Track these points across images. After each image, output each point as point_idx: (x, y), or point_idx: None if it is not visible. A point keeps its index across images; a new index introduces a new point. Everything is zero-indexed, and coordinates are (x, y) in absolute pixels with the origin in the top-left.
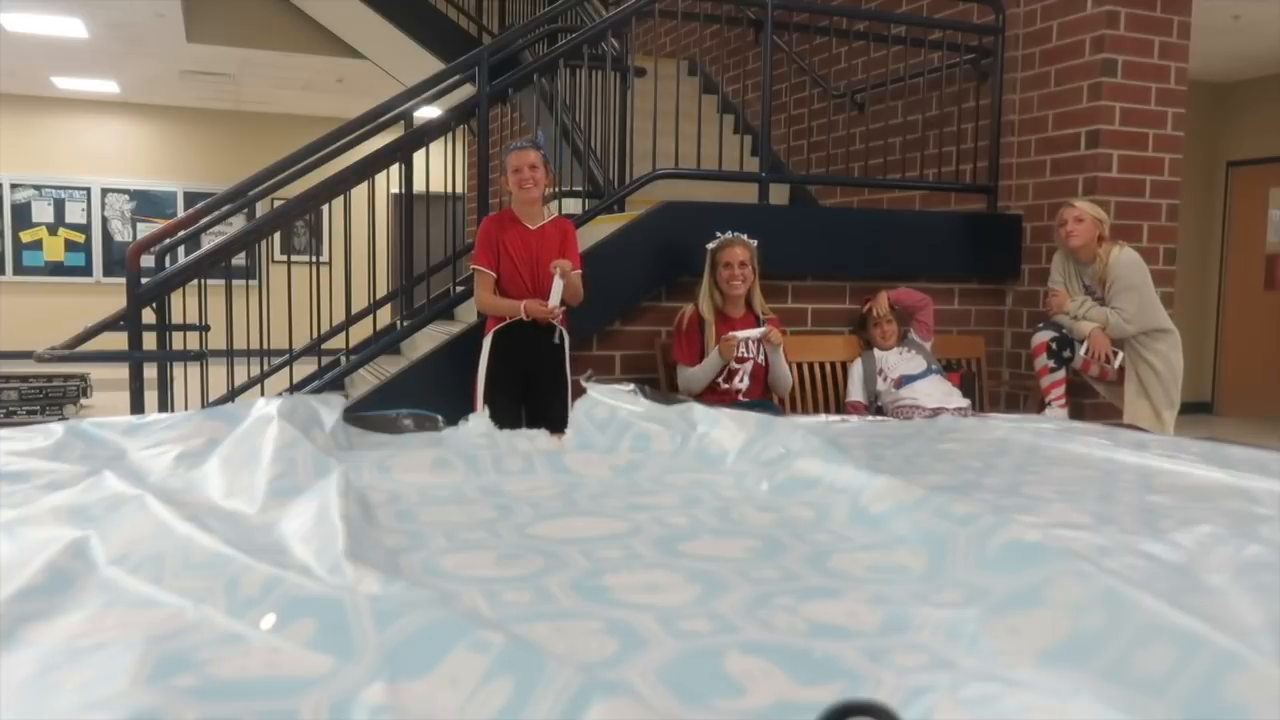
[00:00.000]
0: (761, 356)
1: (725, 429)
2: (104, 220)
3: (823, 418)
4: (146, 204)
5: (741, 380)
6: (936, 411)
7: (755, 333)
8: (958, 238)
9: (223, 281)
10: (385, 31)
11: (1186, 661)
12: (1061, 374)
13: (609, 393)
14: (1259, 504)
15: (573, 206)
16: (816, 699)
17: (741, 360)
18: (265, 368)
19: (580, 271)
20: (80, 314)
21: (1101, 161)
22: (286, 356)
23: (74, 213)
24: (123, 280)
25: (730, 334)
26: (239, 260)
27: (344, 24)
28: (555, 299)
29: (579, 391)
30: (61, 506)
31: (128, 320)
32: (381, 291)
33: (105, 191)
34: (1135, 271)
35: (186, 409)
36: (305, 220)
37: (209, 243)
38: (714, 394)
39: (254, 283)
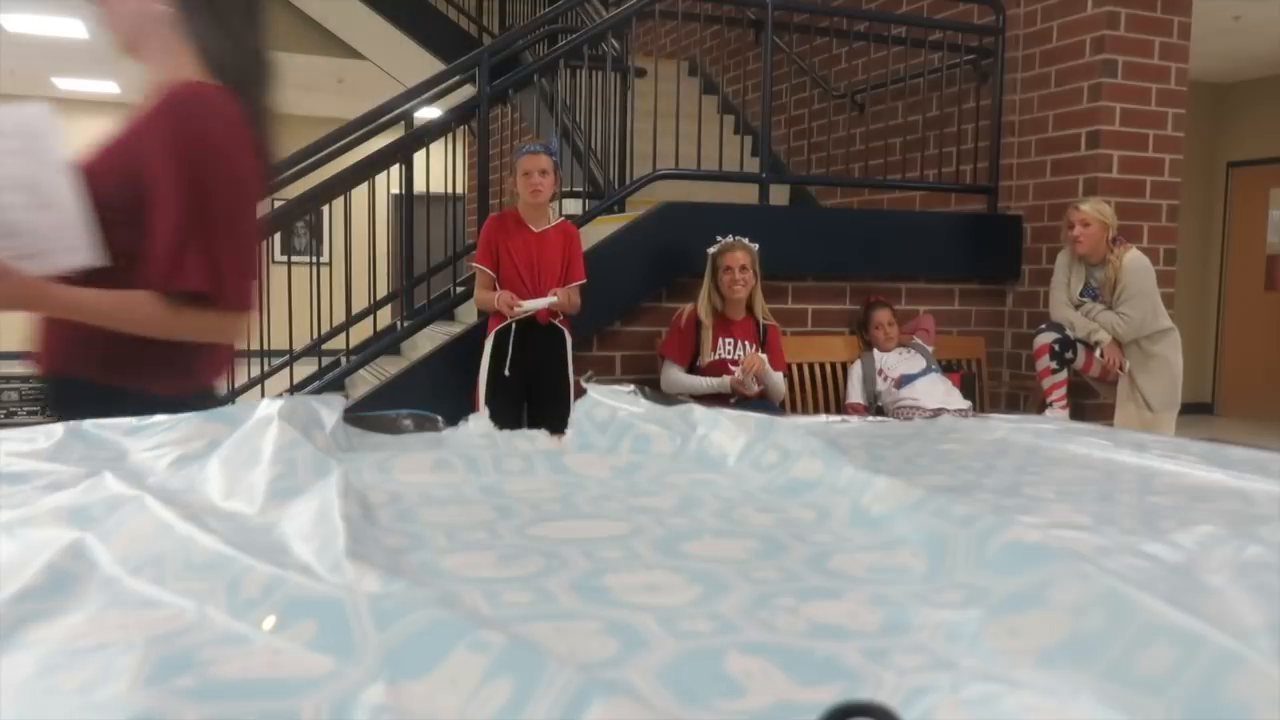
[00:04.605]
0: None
1: (725, 430)
2: None
3: (823, 418)
4: None
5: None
6: (937, 412)
7: (770, 383)
8: (958, 238)
9: None
10: (385, 31)
11: (1187, 661)
12: (1064, 375)
13: (609, 393)
14: (1259, 505)
15: (573, 207)
16: (816, 699)
17: (735, 363)
18: (265, 368)
19: (583, 283)
20: None
21: (1102, 162)
22: (287, 357)
23: None
24: None
25: (751, 375)
26: None
27: (344, 24)
28: (532, 305)
29: (579, 392)
30: (62, 507)
31: None
32: (382, 292)
33: None
34: (1146, 277)
35: None
36: (305, 220)
37: None
38: (712, 394)
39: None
